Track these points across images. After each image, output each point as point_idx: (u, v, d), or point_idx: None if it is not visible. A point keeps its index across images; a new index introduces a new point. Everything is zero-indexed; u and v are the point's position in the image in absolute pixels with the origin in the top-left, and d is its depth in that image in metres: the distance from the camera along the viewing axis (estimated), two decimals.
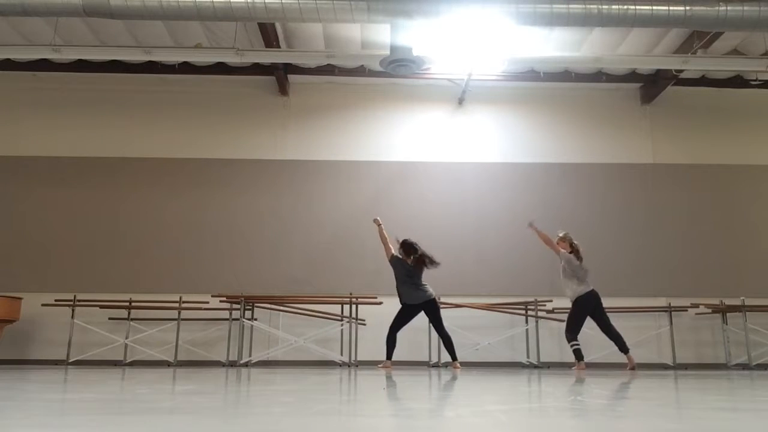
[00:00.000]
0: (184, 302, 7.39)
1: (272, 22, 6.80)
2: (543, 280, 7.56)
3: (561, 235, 6.33)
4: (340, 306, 7.45)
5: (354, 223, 7.94)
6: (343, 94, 8.71)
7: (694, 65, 7.29)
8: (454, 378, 3.99)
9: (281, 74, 8.23)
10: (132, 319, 7.51)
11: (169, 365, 7.01)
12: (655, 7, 5.55)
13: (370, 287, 7.45)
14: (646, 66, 8.14)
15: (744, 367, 7.35)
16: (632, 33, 7.51)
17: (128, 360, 7.38)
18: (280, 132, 8.58)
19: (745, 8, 5.53)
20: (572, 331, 6.11)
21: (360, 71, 8.42)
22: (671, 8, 5.55)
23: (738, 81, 8.56)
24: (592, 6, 5.53)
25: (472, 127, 8.69)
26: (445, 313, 6.41)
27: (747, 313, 7.39)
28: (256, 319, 7.60)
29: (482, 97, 8.67)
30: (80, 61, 8.25)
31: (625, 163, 8.54)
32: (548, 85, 8.66)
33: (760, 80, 8.41)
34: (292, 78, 8.61)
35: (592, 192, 8.40)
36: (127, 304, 7.43)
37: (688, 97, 8.72)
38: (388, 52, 6.29)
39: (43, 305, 7.32)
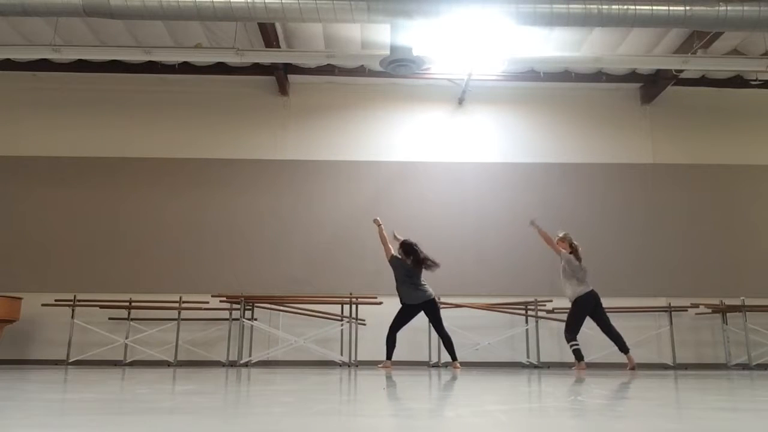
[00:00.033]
0: (184, 302, 7.39)
1: (272, 22, 6.80)
2: (543, 280, 7.56)
3: (561, 235, 6.34)
4: (340, 306, 7.45)
5: (354, 223, 7.94)
6: (343, 94, 8.71)
7: (694, 65, 7.29)
8: (454, 378, 3.99)
9: (281, 74, 8.23)
10: (132, 319, 7.51)
11: (169, 365, 7.01)
12: (655, 7, 5.55)
13: (370, 287, 7.45)
14: (646, 66, 8.14)
15: (744, 367, 7.35)
16: (632, 33, 7.51)
17: (128, 360, 7.38)
18: (280, 132, 8.59)
19: (745, 8, 5.53)
20: (571, 331, 6.11)
21: (360, 71, 8.42)
22: (671, 8, 5.55)
23: (738, 81, 8.56)
24: (592, 6, 5.53)
25: (472, 127, 8.69)
26: (445, 313, 6.41)
27: (747, 313, 7.39)
28: (256, 319, 7.60)
29: (482, 97, 8.68)
30: (80, 61, 8.25)
31: (625, 163, 8.54)
32: (548, 85, 8.66)
33: (760, 80, 8.41)
34: (292, 78, 8.61)
35: (592, 192, 8.40)
36: (127, 304, 7.43)
37: (688, 97, 8.72)
38: (388, 52, 6.29)
39: (43, 305, 7.32)
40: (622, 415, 1.72)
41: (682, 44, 7.59)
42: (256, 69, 8.34)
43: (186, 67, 8.38)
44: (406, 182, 8.38)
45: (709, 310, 7.72)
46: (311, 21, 5.80)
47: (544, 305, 7.43)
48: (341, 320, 7.42)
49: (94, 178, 8.29)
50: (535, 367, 7.20)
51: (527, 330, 7.62)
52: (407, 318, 6.22)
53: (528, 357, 7.52)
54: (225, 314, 7.46)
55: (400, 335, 6.25)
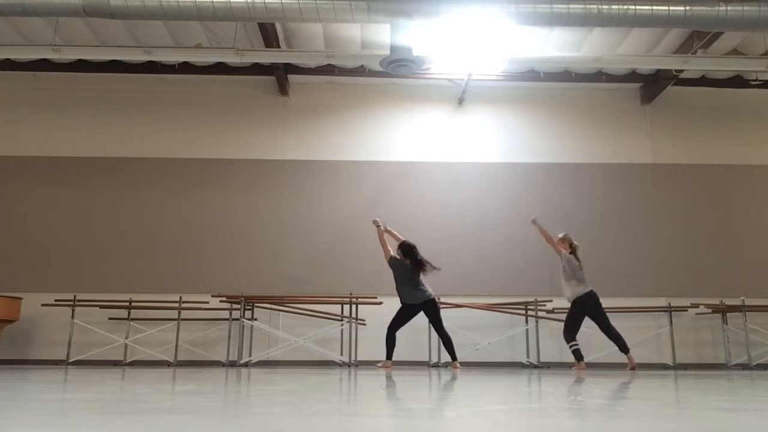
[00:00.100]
0: (184, 302, 7.39)
1: (272, 22, 6.80)
2: (543, 280, 7.56)
3: (561, 236, 6.35)
4: (340, 306, 7.45)
5: (354, 223, 7.94)
6: (343, 94, 8.71)
7: (694, 65, 7.28)
8: (454, 378, 3.99)
9: (281, 74, 8.23)
10: (132, 319, 7.51)
11: (169, 365, 7.01)
12: (655, 7, 5.55)
13: (370, 287, 7.45)
14: (646, 66, 8.14)
15: (744, 367, 7.35)
16: (632, 33, 7.52)
17: (128, 360, 7.38)
18: (280, 132, 8.59)
19: (745, 8, 5.53)
20: (571, 331, 6.12)
21: (360, 71, 8.42)
22: (671, 8, 5.55)
23: (738, 81, 8.57)
24: (592, 6, 5.53)
25: (472, 127, 8.69)
26: (445, 313, 6.41)
27: (747, 313, 7.39)
28: (256, 319, 7.60)
29: (482, 97, 8.68)
30: (80, 61, 8.25)
31: (625, 163, 8.54)
32: (548, 85, 8.66)
33: (760, 80, 8.41)
34: (292, 78, 8.61)
35: (592, 192, 8.40)
36: (127, 304, 7.43)
37: (688, 97, 8.72)
38: (388, 52, 6.29)
39: (43, 305, 7.32)
40: (622, 415, 1.72)
41: (682, 44, 7.59)
42: (256, 69, 8.34)
43: (186, 67, 8.38)
44: (406, 182, 8.38)
45: (709, 310, 7.72)
46: (311, 21, 5.81)
47: (544, 305, 7.43)
48: (341, 320, 7.42)
49: (94, 178, 8.29)
50: (535, 367, 7.20)
51: (527, 330, 7.62)
52: (407, 318, 6.22)
53: (528, 357, 7.52)
54: (225, 314, 7.46)
55: (400, 335, 6.25)
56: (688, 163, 8.56)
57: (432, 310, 6.18)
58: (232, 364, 7.07)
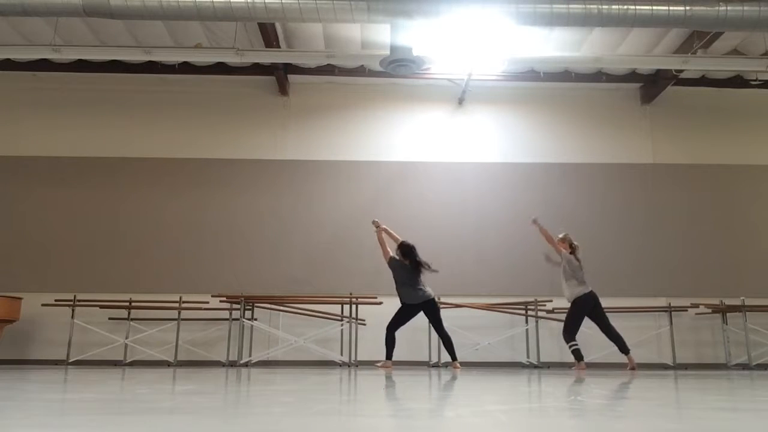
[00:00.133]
0: (184, 302, 7.39)
1: (272, 22, 6.80)
2: (543, 280, 7.56)
3: (561, 236, 6.35)
4: (340, 306, 7.45)
5: (354, 223, 7.94)
6: (343, 94, 8.71)
7: (694, 65, 7.29)
8: (454, 378, 3.99)
9: (281, 74, 8.23)
10: (132, 319, 7.51)
11: (169, 365, 7.02)
12: (655, 7, 5.56)
13: (370, 287, 7.46)
14: (646, 66, 8.14)
15: (744, 367, 7.35)
16: (632, 33, 7.52)
17: (128, 360, 7.38)
18: (280, 132, 8.59)
19: (745, 8, 5.53)
20: (570, 331, 6.12)
21: (360, 71, 8.42)
22: (671, 8, 5.55)
23: (738, 81, 8.57)
24: (592, 6, 5.53)
25: (472, 127, 8.69)
26: (445, 313, 6.41)
27: (747, 313, 7.39)
28: (256, 319, 7.60)
29: (482, 97, 8.68)
30: (80, 61, 8.25)
31: (625, 163, 8.54)
32: (548, 85, 8.66)
33: (760, 80, 8.41)
34: (292, 78, 8.61)
35: (592, 192, 8.40)
36: (127, 304, 7.43)
37: (688, 97, 8.72)
38: (388, 52, 6.29)
39: (43, 305, 7.32)
40: (622, 415, 1.72)
41: (682, 44, 7.59)
42: (256, 69, 8.34)
43: (186, 67, 8.38)
44: (406, 182, 8.38)
45: (709, 310, 7.72)
46: (311, 21, 5.81)
47: (544, 305, 7.43)
48: (341, 320, 7.42)
49: (94, 178, 8.29)
50: (535, 367, 7.20)
51: (527, 330, 7.62)
52: (406, 318, 6.22)
53: (528, 357, 7.52)
54: (225, 314, 7.46)
55: (400, 335, 6.25)
56: (688, 163, 8.56)
57: (432, 310, 6.18)
58: (232, 364, 7.07)
